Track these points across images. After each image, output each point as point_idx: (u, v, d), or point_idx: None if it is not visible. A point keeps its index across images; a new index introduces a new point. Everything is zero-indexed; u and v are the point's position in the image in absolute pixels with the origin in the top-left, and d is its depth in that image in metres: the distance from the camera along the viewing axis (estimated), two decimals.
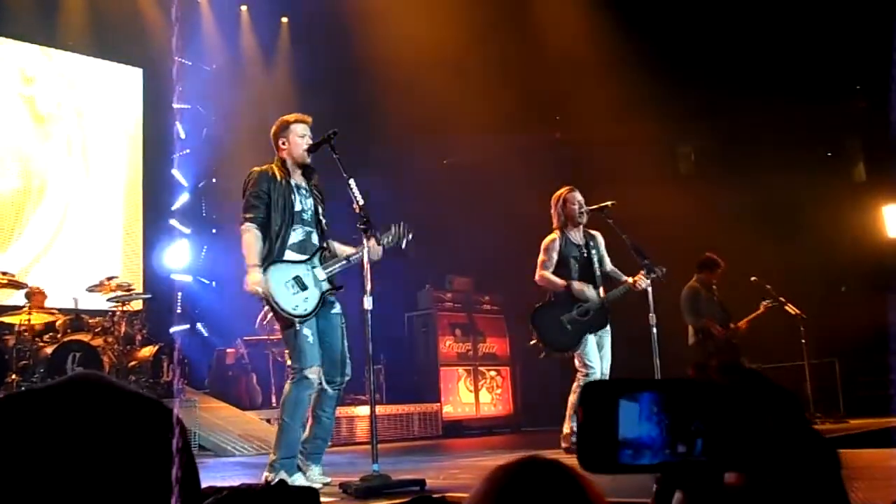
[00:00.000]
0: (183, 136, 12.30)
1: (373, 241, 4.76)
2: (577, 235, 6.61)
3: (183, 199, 12.45)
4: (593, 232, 6.74)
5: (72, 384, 0.70)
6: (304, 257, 4.90)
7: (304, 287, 4.80)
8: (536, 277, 6.59)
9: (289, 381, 4.77)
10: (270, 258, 4.81)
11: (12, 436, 0.66)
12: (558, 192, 6.67)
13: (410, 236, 5.12)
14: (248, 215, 4.84)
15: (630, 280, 6.40)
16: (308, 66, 12.09)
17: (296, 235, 4.89)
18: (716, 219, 9.83)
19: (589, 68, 10.52)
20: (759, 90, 10.42)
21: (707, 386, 0.73)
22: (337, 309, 4.99)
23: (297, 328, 4.73)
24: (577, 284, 6.46)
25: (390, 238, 5.05)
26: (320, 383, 4.76)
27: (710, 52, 10.50)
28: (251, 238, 4.80)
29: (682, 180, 11.87)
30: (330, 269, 4.94)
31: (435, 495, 3.89)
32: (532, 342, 6.67)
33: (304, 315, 4.75)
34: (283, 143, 5.02)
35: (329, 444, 5.02)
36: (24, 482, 0.64)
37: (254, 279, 4.73)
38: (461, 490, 4.10)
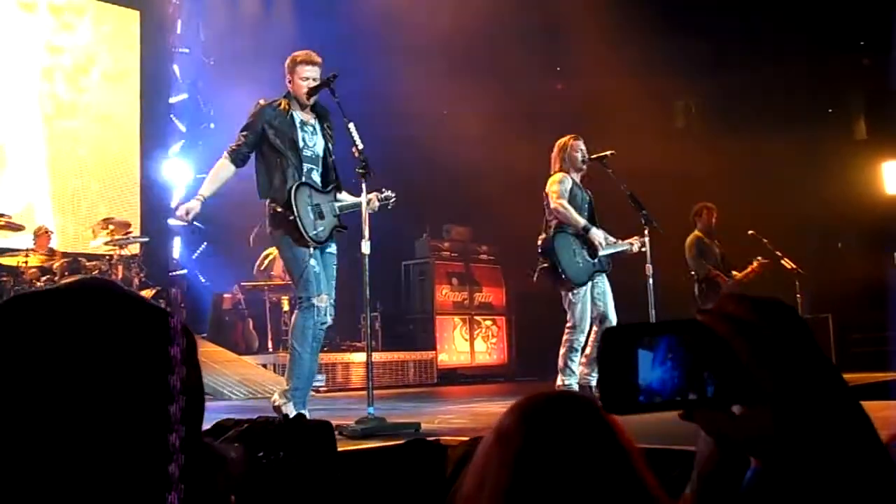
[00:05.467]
0: (180, 79, 12.20)
1: (374, 196, 4.86)
2: (579, 182, 6.55)
3: (179, 144, 12.39)
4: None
5: (81, 288, 0.71)
6: (324, 189, 4.96)
7: (321, 216, 4.85)
8: (554, 205, 6.22)
9: (297, 311, 4.82)
10: (295, 181, 4.79)
11: (18, 332, 0.67)
12: (563, 139, 6.59)
13: (389, 205, 5.14)
14: (231, 146, 4.92)
15: (629, 241, 6.37)
16: (308, 6, 11.92)
17: (299, 169, 4.88)
18: (715, 173, 9.79)
19: (591, 20, 10.40)
20: (760, 45, 10.33)
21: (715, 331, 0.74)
22: (332, 249, 5.01)
23: (305, 259, 4.75)
24: (596, 232, 6.29)
25: (388, 201, 5.09)
26: (326, 312, 4.79)
27: (713, 6, 10.38)
28: (219, 166, 4.91)
29: (681, 134, 11.81)
30: (344, 208, 4.98)
31: (429, 438, 3.93)
32: (536, 271, 6.30)
33: (319, 241, 4.80)
34: (289, 81, 5.01)
35: (311, 388, 5.07)
36: (27, 378, 0.65)
37: (190, 205, 4.86)
38: (456, 434, 4.15)
